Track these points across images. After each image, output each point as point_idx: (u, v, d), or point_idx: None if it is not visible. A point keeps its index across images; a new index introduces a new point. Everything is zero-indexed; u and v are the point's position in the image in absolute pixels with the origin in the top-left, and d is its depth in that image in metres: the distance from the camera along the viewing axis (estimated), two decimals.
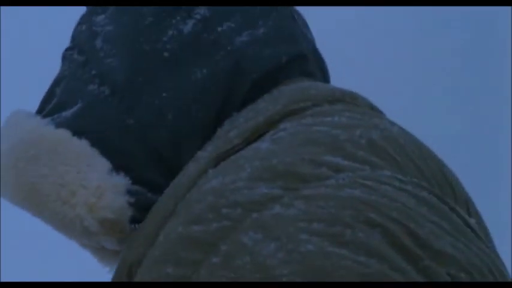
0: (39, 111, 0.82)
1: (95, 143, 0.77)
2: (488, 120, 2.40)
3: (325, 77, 0.86)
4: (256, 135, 0.74)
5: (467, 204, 0.75)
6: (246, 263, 0.63)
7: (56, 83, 0.82)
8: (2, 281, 2.17)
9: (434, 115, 2.38)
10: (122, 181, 0.76)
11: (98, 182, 0.76)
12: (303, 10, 0.86)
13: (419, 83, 2.40)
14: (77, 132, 0.77)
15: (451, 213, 0.69)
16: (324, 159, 0.69)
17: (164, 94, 0.77)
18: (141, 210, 0.76)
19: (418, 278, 0.62)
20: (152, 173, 0.77)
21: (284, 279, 0.62)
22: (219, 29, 0.79)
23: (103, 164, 0.77)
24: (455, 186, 0.75)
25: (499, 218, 2.22)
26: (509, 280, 0.69)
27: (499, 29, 2.48)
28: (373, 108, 0.80)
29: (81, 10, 0.85)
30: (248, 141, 0.74)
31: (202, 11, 0.79)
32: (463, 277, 0.64)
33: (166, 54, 0.78)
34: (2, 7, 2.56)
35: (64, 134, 0.77)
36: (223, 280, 0.63)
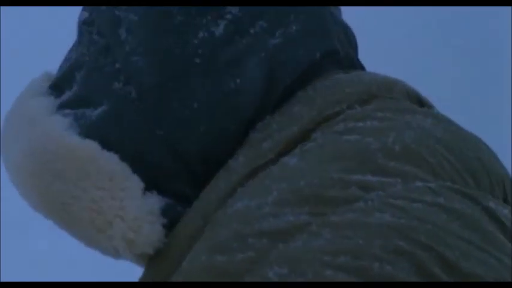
0: (56, 89, 0.78)
1: (125, 156, 0.74)
2: (488, 121, 2.40)
3: (355, 50, 0.83)
4: (290, 147, 0.71)
5: (504, 186, 0.74)
6: None
7: (76, 65, 0.78)
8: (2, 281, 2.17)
9: None
10: (156, 205, 0.73)
11: (135, 213, 0.73)
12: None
13: (417, 84, 2.39)
14: (105, 143, 0.74)
15: (483, 218, 0.68)
16: (353, 178, 0.67)
17: (196, 105, 0.73)
18: (170, 222, 0.74)
19: None
20: (182, 185, 0.74)
21: None
22: (252, 30, 0.75)
23: (136, 185, 0.73)
24: (492, 170, 0.74)
25: None
26: None
27: (499, 29, 2.48)
28: (409, 94, 0.78)
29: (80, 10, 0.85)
30: (280, 153, 0.71)
31: (233, 9, 0.75)
32: None
33: (197, 60, 0.74)
34: (2, 7, 2.56)
35: (92, 148, 0.74)
36: None
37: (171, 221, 0.73)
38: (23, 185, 0.76)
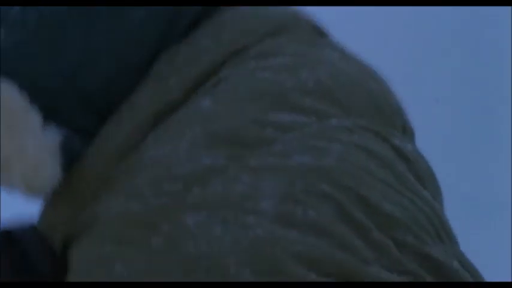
0: None
1: (24, 85, 0.70)
2: (488, 121, 2.40)
3: None
4: (198, 84, 0.69)
5: (401, 114, 0.74)
6: (190, 248, 0.61)
7: None
8: None
9: (433, 115, 2.38)
10: (55, 141, 0.70)
11: (34, 152, 0.69)
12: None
13: (416, 84, 2.40)
14: (5, 72, 0.70)
15: (393, 157, 0.68)
16: (269, 118, 0.66)
17: (99, 37, 0.71)
18: (68, 157, 0.71)
19: (367, 253, 0.62)
20: (82, 116, 0.71)
21: (232, 269, 0.60)
22: None
23: (36, 120, 0.70)
24: (391, 101, 0.74)
25: (500, 215, 2.22)
26: (447, 225, 0.70)
27: (499, 29, 2.48)
28: (315, 29, 0.77)
29: None
30: (189, 91, 0.69)
31: None
32: (410, 240, 0.64)
33: None
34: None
35: None
36: (168, 264, 0.61)
37: (69, 154, 0.71)
38: None
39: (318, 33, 0.77)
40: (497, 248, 2.04)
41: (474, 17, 2.48)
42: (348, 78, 0.71)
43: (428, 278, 0.64)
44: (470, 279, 0.67)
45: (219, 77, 0.69)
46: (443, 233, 0.68)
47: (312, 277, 0.60)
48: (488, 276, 0.73)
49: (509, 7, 2.41)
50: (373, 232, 0.63)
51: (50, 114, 0.71)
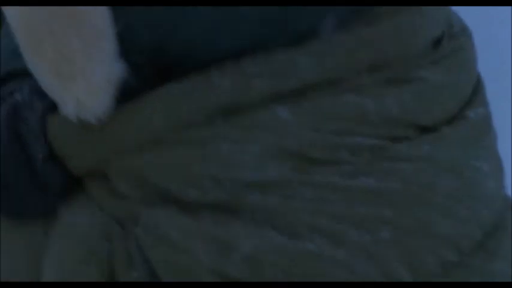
0: None
1: (116, 19, 0.67)
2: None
3: None
4: (280, 97, 0.66)
5: (482, 93, 0.76)
6: (239, 239, 0.62)
7: None
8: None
9: None
10: (118, 75, 0.68)
11: (97, 77, 0.67)
12: None
13: None
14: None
15: (467, 151, 0.68)
16: (344, 141, 0.65)
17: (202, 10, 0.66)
18: (123, 94, 0.69)
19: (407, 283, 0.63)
20: (146, 63, 0.69)
21: (266, 268, 0.61)
22: None
23: (112, 49, 0.67)
24: (471, 85, 0.76)
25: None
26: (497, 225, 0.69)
27: (499, 29, 2.48)
28: (432, 43, 0.72)
29: None
30: (268, 99, 0.66)
31: None
32: (450, 255, 0.65)
33: None
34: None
35: None
36: (204, 242, 0.62)
37: (125, 92, 0.69)
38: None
39: (435, 44, 0.73)
40: None
41: (474, 17, 2.48)
42: (433, 91, 0.69)
43: None
44: None
45: (304, 95, 0.67)
46: (491, 240, 0.68)
47: None
48: None
49: (509, 7, 2.41)
50: (421, 257, 0.64)
51: (123, 49, 0.68)
